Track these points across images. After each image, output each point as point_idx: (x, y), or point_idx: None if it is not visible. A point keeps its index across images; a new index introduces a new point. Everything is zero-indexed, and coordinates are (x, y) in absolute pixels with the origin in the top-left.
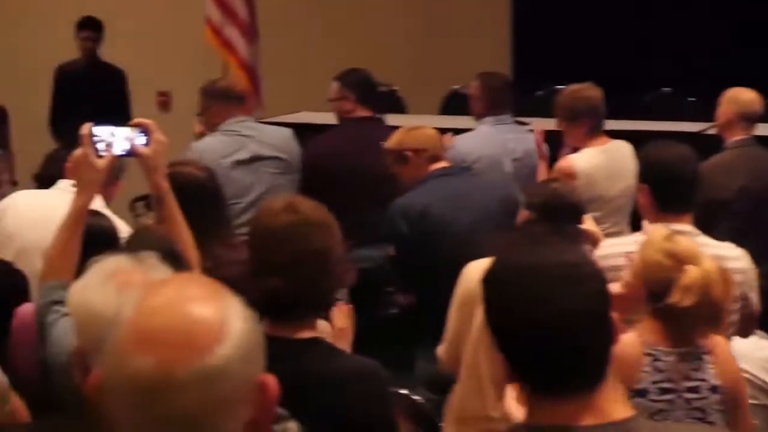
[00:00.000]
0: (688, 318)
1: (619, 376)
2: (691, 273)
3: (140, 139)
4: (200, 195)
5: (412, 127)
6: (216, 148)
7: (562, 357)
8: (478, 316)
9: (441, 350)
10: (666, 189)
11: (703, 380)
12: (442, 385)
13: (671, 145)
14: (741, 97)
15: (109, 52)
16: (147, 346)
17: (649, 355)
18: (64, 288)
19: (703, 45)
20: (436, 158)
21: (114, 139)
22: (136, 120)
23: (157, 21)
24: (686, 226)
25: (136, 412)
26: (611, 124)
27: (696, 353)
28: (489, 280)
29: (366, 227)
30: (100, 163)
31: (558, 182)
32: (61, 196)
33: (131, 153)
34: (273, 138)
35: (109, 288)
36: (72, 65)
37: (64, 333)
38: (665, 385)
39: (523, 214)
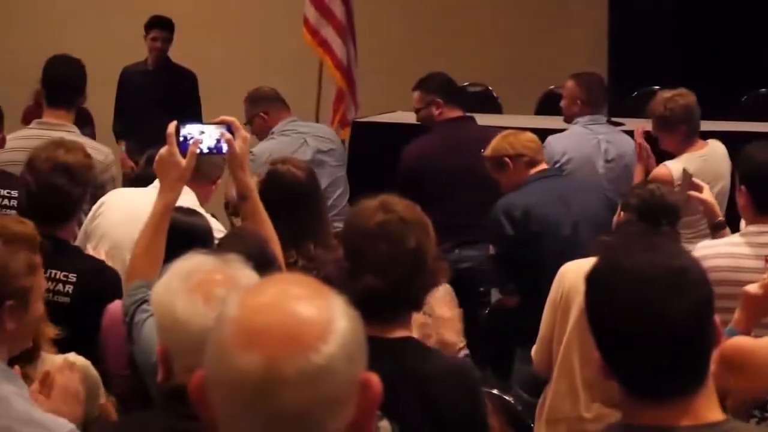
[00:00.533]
0: None
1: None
2: None
3: (226, 137)
4: (297, 194)
5: (509, 132)
6: (282, 148)
7: (664, 362)
8: (572, 317)
9: (534, 350)
10: (765, 190)
11: None
12: (538, 386)
13: None
14: None
15: (203, 51)
16: (253, 344)
17: None
18: (150, 287)
19: None
20: (535, 163)
21: (200, 136)
22: (222, 117)
23: (254, 21)
24: None
25: (241, 410)
26: (706, 125)
27: None
28: (594, 282)
29: (465, 228)
30: (185, 161)
31: (655, 184)
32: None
33: (217, 150)
34: (324, 132)
35: (189, 288)
36: (138, 67)
37: (151, 333)
38: None
39: (619, 215)
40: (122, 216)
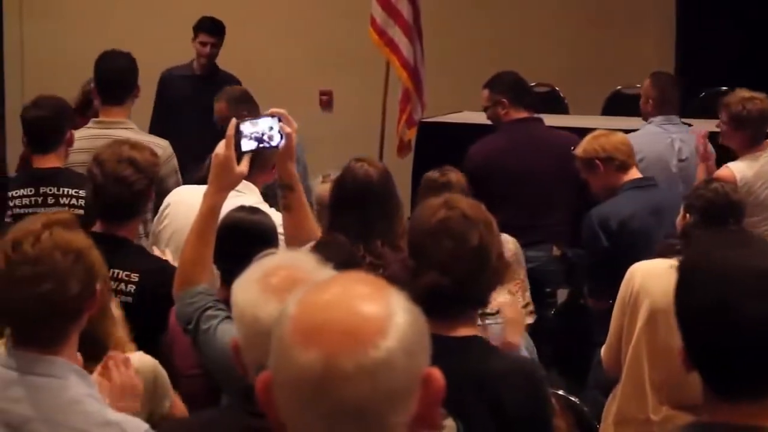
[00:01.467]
0: None
1: None
2: None
3: (285, 130)
4: (368, 191)
5: (601, 133)
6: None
7: (750, 363)
8: (641, 318)
9: (603, 350)
10: None
11: None
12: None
13: None
14: None
15: (267, 51)
16: (312, 341)
17: None
18: (209, 293)
19: None
20: (626, 167)
21: (254, 131)
22: (272, 110)
23: (321, 21)
24: None
25: (303, 406)
26: None
27: None
28: (682, 276)
29: (529, 229)
30: (240, 167)
31: (718, 182)
32: None
33: (269, 143)
34: None
35: (264, 288)
36: (183, 70)
37: (225, 337)
38: None
39: (684, 218)
40: (188, 217)
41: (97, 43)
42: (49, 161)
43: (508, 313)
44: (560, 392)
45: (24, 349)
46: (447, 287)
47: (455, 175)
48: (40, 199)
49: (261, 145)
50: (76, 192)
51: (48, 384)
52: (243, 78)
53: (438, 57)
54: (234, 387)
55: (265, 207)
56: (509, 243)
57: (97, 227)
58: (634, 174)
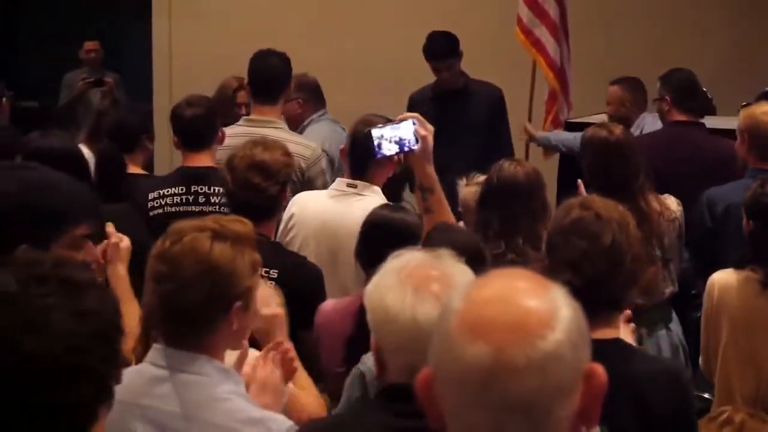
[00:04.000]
0: None
1: None
2: None
3: (421, 133)
4: (513, 190)
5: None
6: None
7: None
8: (724, 332)
9: (700, 360)
10: None
11: None
12: None
13: None
14: None
15: (415, 50)
16: (481, 335)
17: None
18: None
19: None
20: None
21: (389, 135)
22: (406, 114)
23: (467, 20)
24: None
25: (472, 400)
26: None
27: None
28: None
29: None
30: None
31: None
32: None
33: (402, 148)
34: None
35: (400, 285)
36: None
37: None
38: None
39: (747, 225)
40: (316, 219)
41: (243, 42)
42: (201, 160)
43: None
44: (706, 395)
45: (174, 347)
46: (579, 287)
47: (619, 130)
48: (191, 198)
49: (401, 149)
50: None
51: (195, 381)
52: (387, 77)
53: (584, 57)
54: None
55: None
56: (673, 204)
57: None
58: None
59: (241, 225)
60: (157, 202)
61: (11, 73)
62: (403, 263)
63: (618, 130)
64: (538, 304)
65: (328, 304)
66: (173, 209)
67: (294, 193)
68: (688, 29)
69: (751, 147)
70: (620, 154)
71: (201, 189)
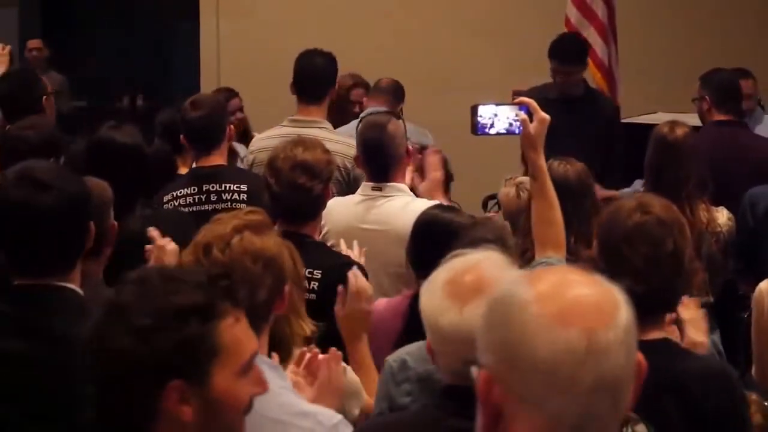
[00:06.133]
0: None
1: None
2: None
3: (522, 117)
4: (563, 189)
5: None
6: None
7: None
8: None
9: (754, 369)
10: None
11: None
12: None
13: None
14: None
15: (461, 50)
16: (570, 320)
17: None
18: None
19: None
20: None
21: (497, 117)
22: (520, 99)
23: (514, 21)
24: None
25: (563, 385)
26: None
27: None
28: None
29: None
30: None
31: None
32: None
33: (513, 131)
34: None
35: (450, 294)
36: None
37: None
38: None
39: None
40: (346, 215)
41: (291, 42)
42: (211, 160)
43: (684, 314)
44: (753, 396)
45: None
46: (641, 294)
47: (682, 131)
48: (203, 197)
49: (509, 131)
50: (237, 187)
51: None
52: (431, 78)
53: (632, 57)
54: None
55: (419, 202)
56: (722, 218)
57: (277, 226)
58: None
59: (259, 214)
60: (171, 204)
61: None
62: (453, 268)
63: (681, 130)
64: (600, 290)
65: (381, 303)
66: (186, 209)
67: (340, 192)
68: (737, 28)
69: None
70: (674, 154)
71: (212, 187)
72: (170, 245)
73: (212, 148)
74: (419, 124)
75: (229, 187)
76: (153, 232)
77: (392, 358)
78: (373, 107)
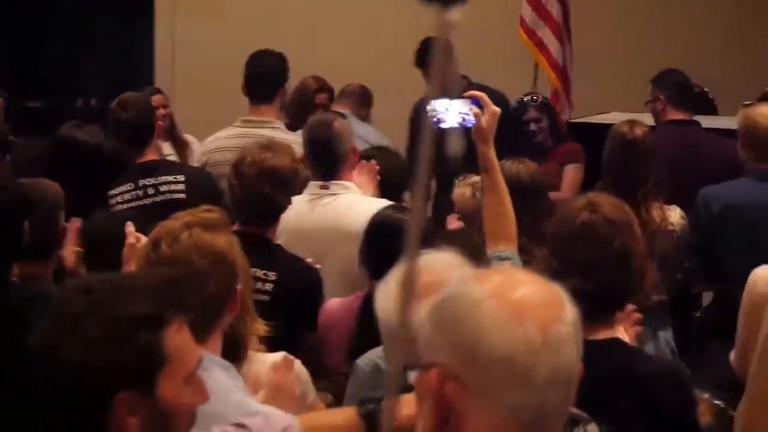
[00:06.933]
0: None
1: None
2: None
3: (474, 110)
4: (514, 190)
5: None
6: None
7: None
8: (763, 330)
9: (732, 357)
10: None
11: None
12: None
13: None
14: None
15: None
16: (525, 315)
17: None
18: None
19: None
20: (762, 152)
21: (448, 111)
22: (470, 92)
23: (468, 21)
24: None
25: (520, 380)
26: None
27: None
28: None
29: None
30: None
31: None
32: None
33: (465, 125)
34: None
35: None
36: None
37: None
38: None
39: None
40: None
41: (250, 43)
42: (146, 156)
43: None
44: (705, 395)
45: None
46: (590, 292)
47: (641, 130)
48: (141, 192)
49: (461, 125)
50: (174, 178)
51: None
52: (374, 77)
53: (587, 58)
54: None
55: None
56: (675, 217)
57: (236, 226)
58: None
59: (216, 213)
60: (113, 200)
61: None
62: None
63: (640, 129)
64: (546, 287)
65: (333, 303)
66: (125, 206)
67: None
68: (688, 29)
69: (748, 147)
70: (633, 153)
71: (149, 182)
72: (142, 241)
73: (144, 146)
74: (387, 126)
75: (165, 179)
76: (129, 227)
77: (363, 362)
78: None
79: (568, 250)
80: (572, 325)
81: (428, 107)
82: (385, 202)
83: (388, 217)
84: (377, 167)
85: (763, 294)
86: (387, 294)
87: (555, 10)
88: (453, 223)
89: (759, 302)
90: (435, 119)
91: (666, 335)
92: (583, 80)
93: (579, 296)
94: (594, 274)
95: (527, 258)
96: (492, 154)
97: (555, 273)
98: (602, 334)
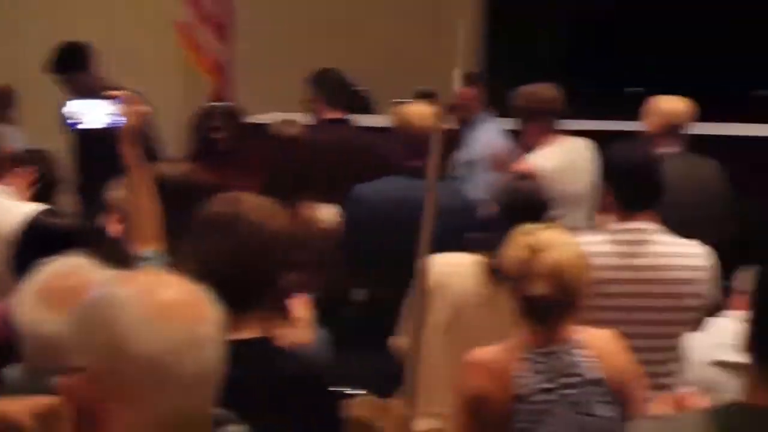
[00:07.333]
0: (550, 310)
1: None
2: (542, 261)
3: (122, 110)
4: (169, 190)
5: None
6: None
7: None
8: (441, 312)
9: (400, 341)
10: (628, 187)
11: (578, 375)
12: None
13: (634, 144)
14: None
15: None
16: (168, 315)
17: (527, 359)
18: None
19: None
20: (415, 146)
21: (91, 112)
22: (112, 92)
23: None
24: (649, 224)
25: (161, 380)
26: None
27: (568, 350)
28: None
29: None
30: None
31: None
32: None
33: (114, 124)
34: None
35: (40, 297)
36: None
37: None
38: (545, 385)
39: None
40: None
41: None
42: None
43: (299, 313)
44: (349, 390)
45: None
46: (226, 291)
47: (296, 129)
48: None
49: (108, 124)
50: None
51: None
52: None
53: (250, 56)
54: None
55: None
56: (329, 215)
57: None
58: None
59: None
60: None
61: None
62: (45, 277)
63: (295, 128)
64: (190, 288)
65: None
66: None
67: None
68: (342, 30)
69: (401, 145)
70: (289, 152)
71: None
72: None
73: None
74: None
75: None
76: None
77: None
78: None
79: (205, 243)
80: (216, 326)
81: (64, 109)
82: (38, 206)
83: (42, 222)
84: (34, 172)
85: (435, 282)
86: (24, 302)
87: (215, 10)
88: (113, 224)
89: (432, 288)
90: (73, 121)
91: (323, 333)
92: (246, 80)
93: (217, 291)
94: (210, 265)
95: (177, 260)
96: (135, 153)
97: (195, 270)
98: (247, 333)
